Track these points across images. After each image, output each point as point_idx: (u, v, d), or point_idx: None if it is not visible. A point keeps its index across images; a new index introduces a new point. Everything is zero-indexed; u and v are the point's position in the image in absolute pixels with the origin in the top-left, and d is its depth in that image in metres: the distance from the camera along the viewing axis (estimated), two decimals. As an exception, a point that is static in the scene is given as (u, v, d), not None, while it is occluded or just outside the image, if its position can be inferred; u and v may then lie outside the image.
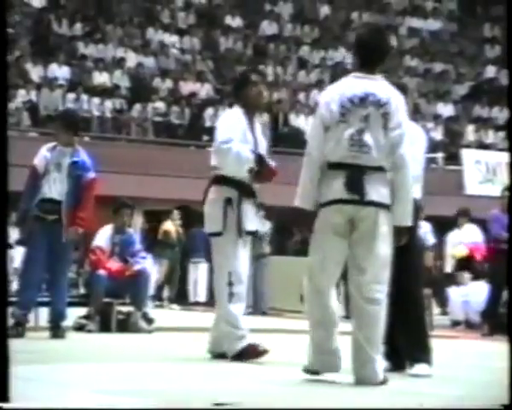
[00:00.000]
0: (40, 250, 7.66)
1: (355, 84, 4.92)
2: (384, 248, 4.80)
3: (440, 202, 14.57)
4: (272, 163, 6.12)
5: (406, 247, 5.02)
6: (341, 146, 4.82)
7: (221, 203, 5.96)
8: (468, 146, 20.45)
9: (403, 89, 5.41)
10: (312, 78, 21.78)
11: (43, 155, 7.82)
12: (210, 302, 14.79)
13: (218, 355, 6.03)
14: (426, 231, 11.70)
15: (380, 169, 4.82)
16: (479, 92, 22.98)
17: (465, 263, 11.60)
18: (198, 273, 15.34)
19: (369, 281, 4.78)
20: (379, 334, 4.84)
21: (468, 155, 19.45)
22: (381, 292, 4.80)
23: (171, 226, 15.39)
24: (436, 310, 12.17)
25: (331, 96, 4.94)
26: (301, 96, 20.94)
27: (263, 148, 6.21)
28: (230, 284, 5.90)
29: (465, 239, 11.80)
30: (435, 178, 18.28)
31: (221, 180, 6.02)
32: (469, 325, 11.10)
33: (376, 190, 4.80)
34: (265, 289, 13.81)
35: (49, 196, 7.72)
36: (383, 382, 4.85)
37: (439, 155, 19.06)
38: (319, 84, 20.40)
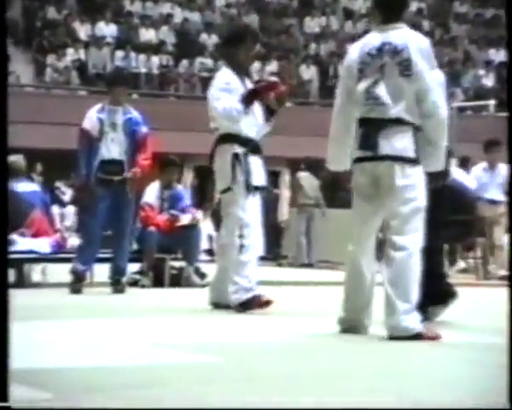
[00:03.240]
0: (103, 210, 7.74)
1: (375, 37, 4.82)
2: (408, 201, 4.64)
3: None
4: (270, 79, 6.06)
5: (435, 195, 4.91)
6: (359, 101, 4.75)
7: (229, 160, 6.07)
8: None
9: (432, 36, 5.28)
10: (359, 28, 21.54)
11: (95, 117, 7.82)
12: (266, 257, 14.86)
13: (222, 306, 6.17)
14: (462, 177, 11.63)
15: (398, 121, 4.65)
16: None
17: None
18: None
19: (395, 233, 4.66)
20: (408, 283, 4.59)
21: (520, 101, 19.09)
22: (409, 241, 4.63)
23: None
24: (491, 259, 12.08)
25: (350, 57, 4.89)
26: (349, 47, 20.72)
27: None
28: (241, 236, 6.02)
29: None
30: (486, 125, 18.05)
31: (227, 138, 6.11)
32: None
33: (392, 144, 4.63)
34: (312, 241, 13.83)
35: (110, 156, 7.77)
36: (417, 335, 4.55)
37: (491, 102, 18.75)
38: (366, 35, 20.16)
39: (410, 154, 4.66)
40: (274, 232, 14.81)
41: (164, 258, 8.98)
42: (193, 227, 9.08)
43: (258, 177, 6.16)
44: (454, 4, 23.20)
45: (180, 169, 9.69)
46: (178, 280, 8.98)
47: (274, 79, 6.15)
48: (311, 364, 3.94)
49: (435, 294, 5.60)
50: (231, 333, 5.11)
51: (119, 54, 18.64)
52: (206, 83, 19.22)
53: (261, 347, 4.51)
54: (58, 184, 16.05)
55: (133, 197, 7.95)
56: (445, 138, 4.83)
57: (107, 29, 19.23)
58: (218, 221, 15.21)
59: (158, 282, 8.82)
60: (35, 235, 8.22)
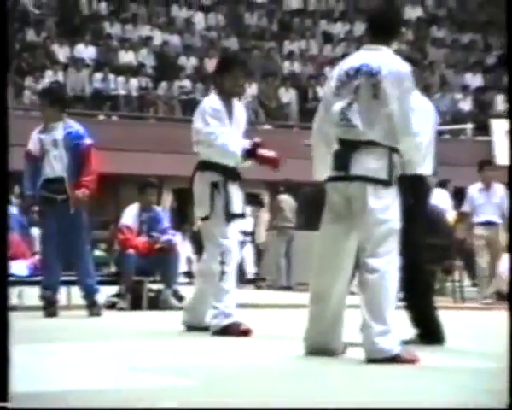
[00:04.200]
0: (54, 230, 7.64)
1: (357, 57, 4.84)
2: (381, 223, 4.61)
3: (470, 173, 14.47)
4: (269, 153, 6.16)
5: (411, 219, 4.96)
6: (334, 121, 4.75)
7: (208, 188, 6.11)
8: (497, 116, 20.28)
9: (412, 61, 5.25)
10: (338, 51, 21.68)
11: (36, 137, 7.77)
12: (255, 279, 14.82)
13: (194, 328, 6.22)
14: (442, 200, 11.66)
15: (371, 143, 4.63)
16: (508, 61, 22.72)
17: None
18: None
19: (368, 255, 4.61)
20: (382, 304, 4.53)
21: (497, 125, 19.30)
22: (382, 263, 4.58)
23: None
24: (467, 282, 12.13)
25: (334, 73, 4.91)
26: (327, 70, 20.85)
27: (240, 130, 6.28)
28: (222, 262, 6.08)
29: None
30: (464, 149, 18.20)
31: (207, 165, 6.17)
32: (500, 296, 11.04)
33: (364, 165, 4.61)
34: (291, 264, 13.85)
35: (53, 175, 7.68)
36: (394, 357, 4.49)
37: (468, 126, 18.91)
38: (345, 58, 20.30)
39: (383, 175, 4.63)
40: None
41: (142, 280, 8.95)
42: (171, 250, 9.06)
43: (237, 205, 6.21)
44: (432, 29, 23.41)
45: (159, 191, 9.65)
46: (156, 303, 8.95)
47: (274, 155, 6.19)
48: (284, 386, 3.93)
49: (426, 332, 5.67)
50: (208, 356, 5.09)
51: (98, 76, 18.64)
52: (185, 105, 19.29)
53: (237, 370, 4.51)
54: (34, 207, 15.92)
55: (81, 214, 7.74)
56: (419, 162, 4.86)
57: (86, 51, 19.24)
58: (197, 244, 15.26)
59: (136, 305, 8.79)
60: (12, 257, 8.15)
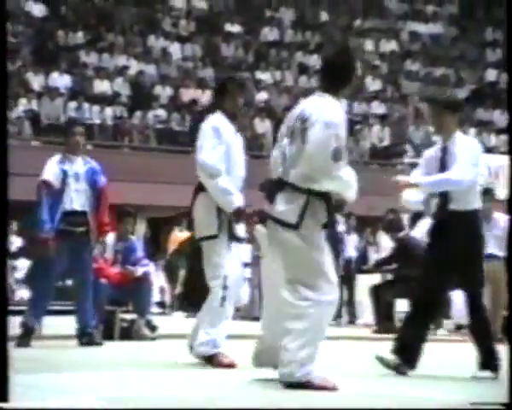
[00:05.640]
0: (60, 263, 7.64)
1: (303, 102, 5.06)
2: (290, 266, 4.88)
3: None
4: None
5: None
6: (273, 159, 5.05)
7: (213, 209, 6.05)
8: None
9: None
10: (313, 83, 21.80)
11: (55, 168, 7.74)
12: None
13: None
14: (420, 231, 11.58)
15: (291, 185, 4.86)
16: (480, 96, 23.00)
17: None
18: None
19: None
20: (296, 339, 4.78)
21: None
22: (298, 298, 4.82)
23: (183, 235, 15.40)
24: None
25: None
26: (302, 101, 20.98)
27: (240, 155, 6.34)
28: (225, 287, 5.98)
29: None
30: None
31: None
32: (458, 328, 11.06)
33: (277, 206, 4.88)
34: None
35: (72, 208, 7.69)
36: (299, 383, 4.75)
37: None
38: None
39: (292, 218, 4.83)
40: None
41: (114, 310, 8.88)
42: (145, 280, 9.02)
43: (240, 228, 6.19)
44: (406, 63, 23.64)
45: (135, 220, 9.65)
46: (129, 333, 8.88)
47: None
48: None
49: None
50: (180, 387, 5.05)
51: (73, 105, 18.60)
52: (160, 135, 19.29)
53: (208, 399, 4.48)
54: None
55: (92, 250, 7.93)
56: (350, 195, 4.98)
57: (61, 80, 19.20)
58: (170, 273, 15.19)
59: (108, 335, 8.71)
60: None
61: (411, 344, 5.90)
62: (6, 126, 2.59)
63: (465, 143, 6.01)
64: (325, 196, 4.86)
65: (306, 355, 4.76)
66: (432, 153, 6.12)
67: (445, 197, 5.92)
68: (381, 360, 5.90)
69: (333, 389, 4.75)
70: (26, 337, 7.55)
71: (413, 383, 5.54)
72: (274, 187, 4.94)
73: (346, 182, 4.90)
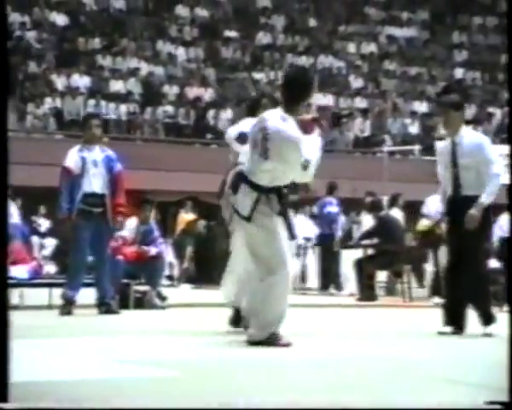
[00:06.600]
0: (86, 240, 7.68)
1: (267, 115, 5.11)
2: (250, 243, 5.07)
3: (418, 189, 14.56)
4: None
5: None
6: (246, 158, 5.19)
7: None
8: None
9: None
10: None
11: (76, 156, 7.77)
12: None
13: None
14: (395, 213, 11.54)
15: (249, 181, 4.99)
16: (449, 92, 22.90)
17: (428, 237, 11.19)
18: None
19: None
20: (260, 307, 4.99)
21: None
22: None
23: (188, 216, 15.39)
24: (415, 284, 12.18)
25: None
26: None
27: None
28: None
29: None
30: (412, 167, 18.29)
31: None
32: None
33: (238, 197, 5.05)
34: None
35: (91, 190, 7.70)
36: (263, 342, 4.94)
37: (416, 147, 19.02)
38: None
39: (244, 212, 5.00)
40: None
41: (129, 283, 8.89)
42: (158, 258, 9.08)
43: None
44: (384, 63, 23.56)
45: (152, 207, 9.77)
46: (142, 302, 8.89)
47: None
48: (263, 377, 3.90)
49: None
50: (189, 350, 5.04)
51: (91, 102, 18.56)
52: (168, 128, 19.25)
53: (216, 362, 4.46)
54: (34, 217, 15.77)
55: (111, 229, 7.94)
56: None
57: (81, 80, 19.13)
58: (178, 250, 15.18)
59: (123, 304, 8.71)
60: (14, 263, 8.07)
61: (457, 310, 5.97)
62: (6, 118, 2.54)
63: (473, 138, 6.23)
64: (277, 190, 5.00)
65: (271, 319, 4.97)
66: (442, 146, 6.35)
67: (457, 186, 6.09)
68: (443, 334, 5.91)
69: (287, 345, 4.94)
70: (66, 307, 7.62)
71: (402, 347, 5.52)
72: (237, 180, 5.09)
73: (302, 174, 5.00)
